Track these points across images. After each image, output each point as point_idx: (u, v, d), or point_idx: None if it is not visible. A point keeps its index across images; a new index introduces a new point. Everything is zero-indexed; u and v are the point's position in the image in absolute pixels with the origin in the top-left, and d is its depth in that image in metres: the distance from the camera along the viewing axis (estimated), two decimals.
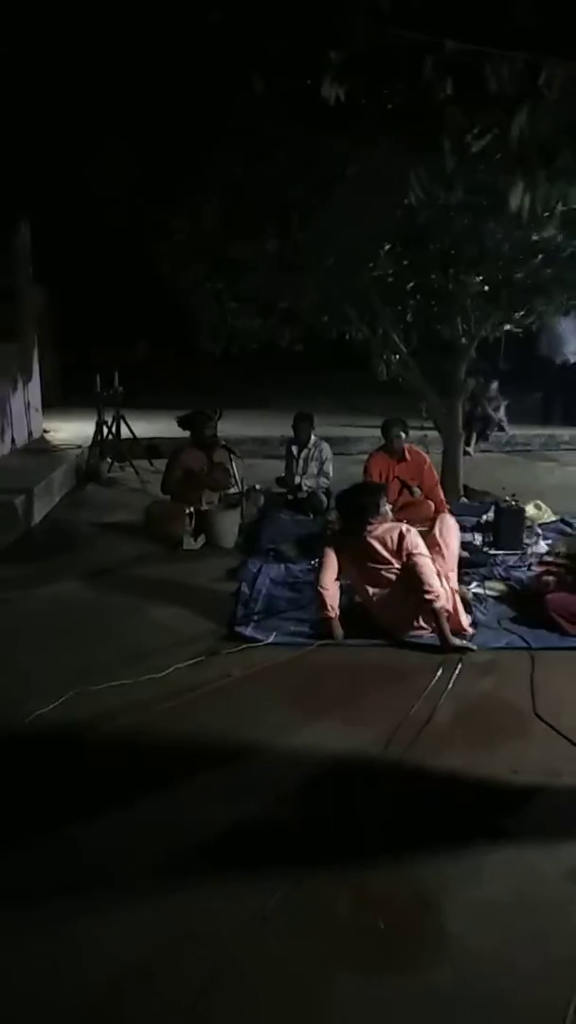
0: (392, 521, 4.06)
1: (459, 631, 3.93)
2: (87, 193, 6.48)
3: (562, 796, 2.75)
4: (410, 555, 3.86)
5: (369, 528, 3.94)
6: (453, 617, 3.93)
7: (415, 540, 3.91)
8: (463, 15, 2.69)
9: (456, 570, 4.24)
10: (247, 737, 3.08)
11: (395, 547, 3.91)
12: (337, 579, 4.06)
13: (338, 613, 4.03)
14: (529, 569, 4.99)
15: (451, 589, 4.01)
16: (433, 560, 3.96)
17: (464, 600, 4.18)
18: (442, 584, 3.90)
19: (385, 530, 3.95)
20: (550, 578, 4.59)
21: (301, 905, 2.20)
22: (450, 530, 4.28)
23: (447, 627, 3.84)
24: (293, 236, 5.29)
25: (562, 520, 6.22)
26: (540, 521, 6.00)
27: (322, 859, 2.40)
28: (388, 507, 4.10)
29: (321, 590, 4.02)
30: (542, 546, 5.37)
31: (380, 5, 2.80)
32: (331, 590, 4.03)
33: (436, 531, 4.22)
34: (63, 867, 2.38)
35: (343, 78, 2.87)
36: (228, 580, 4.88)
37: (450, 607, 3.93)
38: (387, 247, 6.14)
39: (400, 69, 2.87)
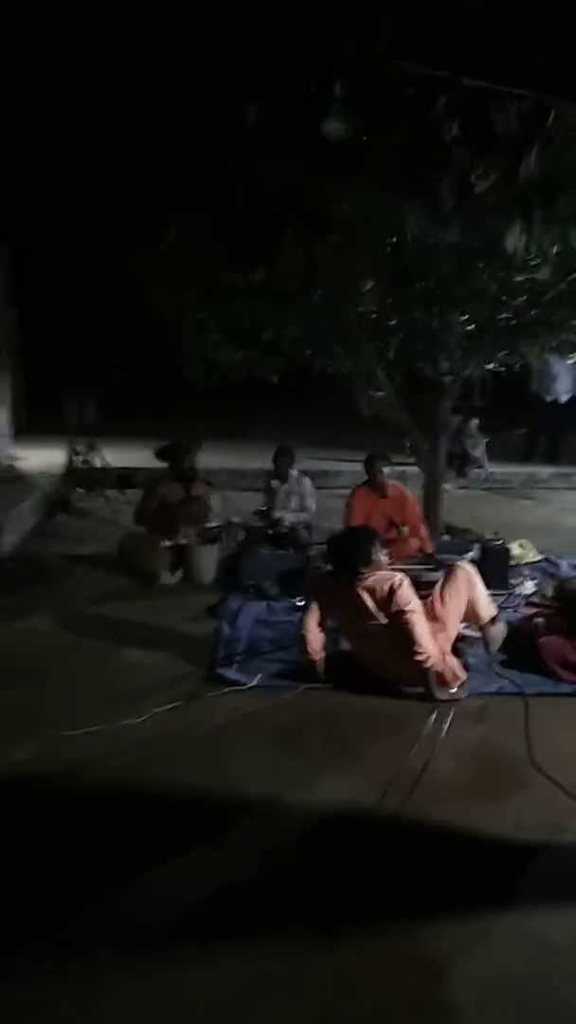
0: (385, 568, 3.87)
1: (445, 684, 3.76)
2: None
3: (566, 854, 2.63)
4: (401, 612, 3.64)
5: (360, 577, 3.75)
6: (442, 675, 3.74)
7: (407, 595, 3.67)
8: (471, 52, 2.65)
9: (457, 625, 4.00)
10: (234, 789, 2.92)
11: (384, 600, 3.68)
12: (321, 623, 3.90)
13: (322, 656, 3.88)
14: (516, 611, 4.91)
15: (442, 650, 3.78)
16: (431, 614, 3.83)
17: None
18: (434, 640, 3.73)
19: (376, 580, 3.72)
20: (539, 620, 4.53)
21: (300, 977, 2.05)
22: (461, 586, 4.00)
23: (434, 684, 3.69)
24: (283, 267, 5.23)
25: (546, 559, 6.17)
26: (525, 560, 5.94)
27: (320, 925, 2.25)
28: (383, 555, 3.90)
29: (304, 633, 3.86)
30: (529, 587, 5.30)
31: (383, 35, 2.74)
32: (314, 633, 3.87)
33: (438, 588, 4.00)
34: (38, 938, 2.19)
35: (347, 114, 2.82)
36: (208, 618, 4.73)
37: (440, 665, 3.73)
38: (370, 284, 6.13)
39: (407, 106, 2.83)
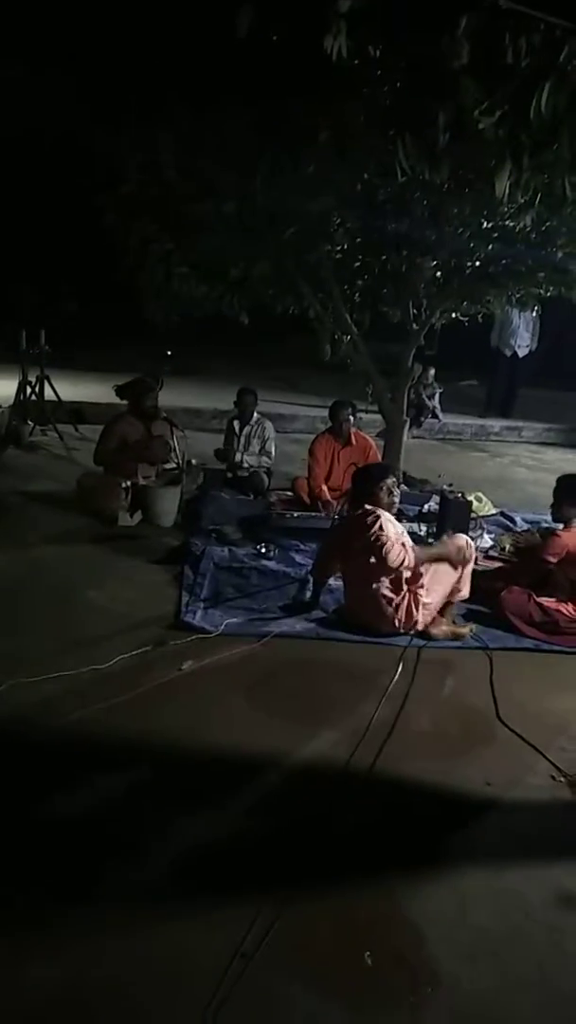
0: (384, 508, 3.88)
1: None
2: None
3: (536, 810, 2.66)
4: (376, 538, 3.70)
5: (363, 511, 3.82)
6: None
7: (378, 529, 3.74)
8: None
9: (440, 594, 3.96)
10: (205, 739, 2.86)
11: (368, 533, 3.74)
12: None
13: (325, 585, 4.11)
14: (476, 564, 4.91)
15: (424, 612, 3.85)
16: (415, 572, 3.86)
17: (457, 635, 3.93)
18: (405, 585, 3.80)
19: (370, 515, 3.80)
20: (500, 575, 4.55)
21: (281, 937, 2.01)
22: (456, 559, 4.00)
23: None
24: (254, 199, 4.98)
25: (502, 514, 6.21)
26: (482, 513, 5.96)
27: (298, 881, 2.22)
28: (390, 496, 3.90)
29: (321, 558, 4.12)
30: (487, 540, 5.32)
31: None
32: (329, 562, 4.07)
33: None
34: (3, 892, 2.10)
35: (353, 30, 2.61)
36: (169, 562, 4.60)
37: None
38: (337, 221, 5.92)
39: (415, 28, 2.64)
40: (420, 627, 3.80)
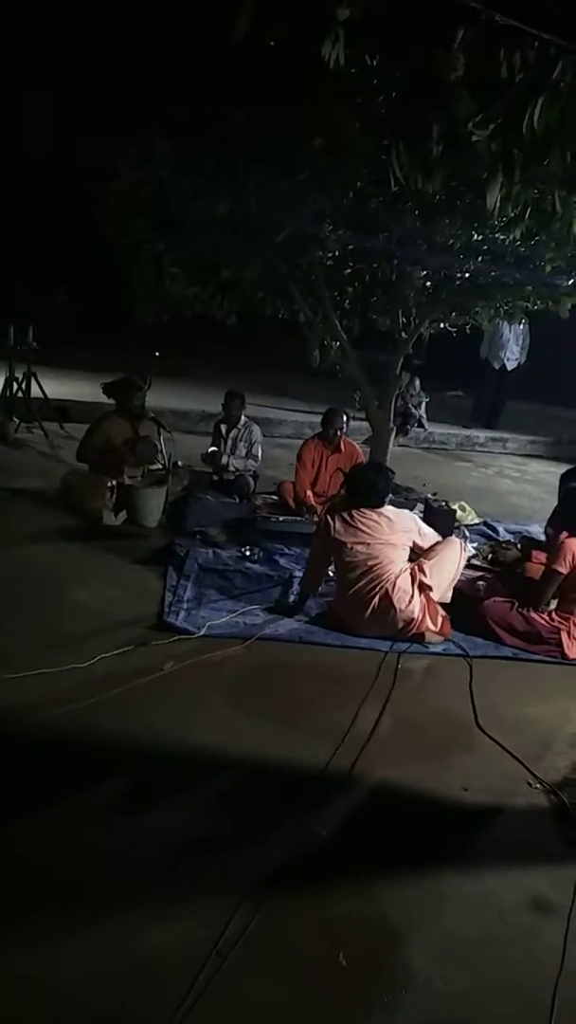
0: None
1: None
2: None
3: (513, 818, 2.69)
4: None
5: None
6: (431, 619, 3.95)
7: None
8: None
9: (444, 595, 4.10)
10: (184, 740, 2.86)
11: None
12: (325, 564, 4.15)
13: (315, 594, 4.16)
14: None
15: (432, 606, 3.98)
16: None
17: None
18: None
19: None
20: (482, 584, 4.58)
21: (257, 936, 2.02)
22: (454, 558, 4.16)
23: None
24: (247, 202, 4.99)
25: (485, 523, 6.25)
26: (465, 522, 6.00)
27: (275, 881, 2.23)
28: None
29: (313, 565, 4.15)
30: (470, 549, 5.34)
31: None
32: (321, 569, 4.14)
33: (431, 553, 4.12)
34: None
35: (351, 39, 2.64)
36: (153, 562, 4.59)
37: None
38: (330, 228, 5.95)
39: (416, 38, 2.67)
40: (426, 627, 3.91)
